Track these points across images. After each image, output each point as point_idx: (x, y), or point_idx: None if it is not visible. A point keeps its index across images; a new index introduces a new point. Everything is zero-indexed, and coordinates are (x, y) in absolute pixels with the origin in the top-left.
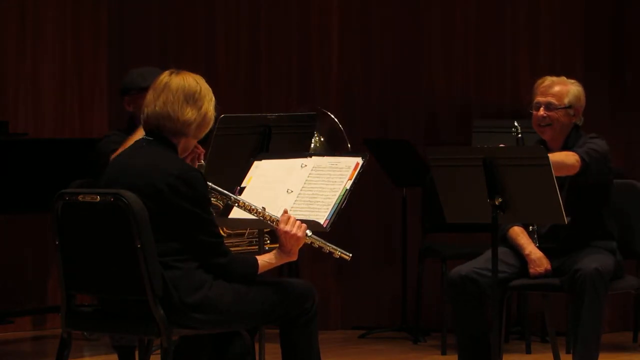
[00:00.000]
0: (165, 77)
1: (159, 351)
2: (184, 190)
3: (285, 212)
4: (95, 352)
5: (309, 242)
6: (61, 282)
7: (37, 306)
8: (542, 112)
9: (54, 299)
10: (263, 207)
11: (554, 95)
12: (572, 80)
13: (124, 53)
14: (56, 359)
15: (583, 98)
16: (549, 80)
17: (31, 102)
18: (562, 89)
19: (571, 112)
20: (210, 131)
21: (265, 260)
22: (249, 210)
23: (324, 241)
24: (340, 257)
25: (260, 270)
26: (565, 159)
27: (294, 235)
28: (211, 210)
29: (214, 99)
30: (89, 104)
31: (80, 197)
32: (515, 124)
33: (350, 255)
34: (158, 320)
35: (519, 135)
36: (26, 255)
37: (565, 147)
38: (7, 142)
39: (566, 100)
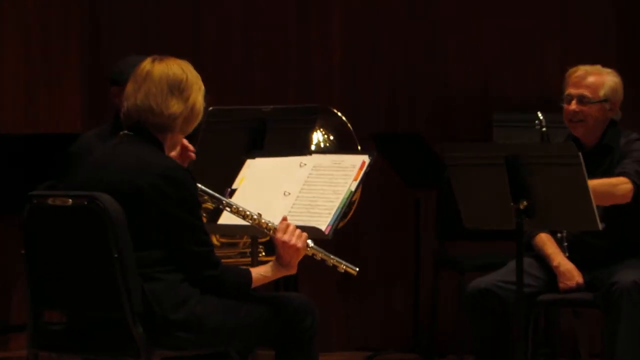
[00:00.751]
0: (146, 65)
1: None
2: (169, 191)
3: (285, 219)
4: None
5: (310, 254)
6: (28, 296)
7: (0, 325)
8: (573, 106)
9: (18, 316)
10: (259, 214)
11: (587, 86)
12: (609, 70)
13: (99, 40)
14: None
15: (621, 90)
16: (582, 69)
17: None
18: (596, 80)
19: (607, 106)
20: (200, 125)
21: (260, 273)
22: (243, 216)
23: (327, 253)
24: (345, 271)
25: (254, 284)
26: (613, 190)
27: (293, 245)
28: (201, 215)
29: (203, 87)
30: (59, 97)
31: (50, 200)
32: (540, 116)
33: (357, 269)
34: (137, 339)
35: (544, 130)
36: None
37: (600, 145)
38: None
39: (601, 93)
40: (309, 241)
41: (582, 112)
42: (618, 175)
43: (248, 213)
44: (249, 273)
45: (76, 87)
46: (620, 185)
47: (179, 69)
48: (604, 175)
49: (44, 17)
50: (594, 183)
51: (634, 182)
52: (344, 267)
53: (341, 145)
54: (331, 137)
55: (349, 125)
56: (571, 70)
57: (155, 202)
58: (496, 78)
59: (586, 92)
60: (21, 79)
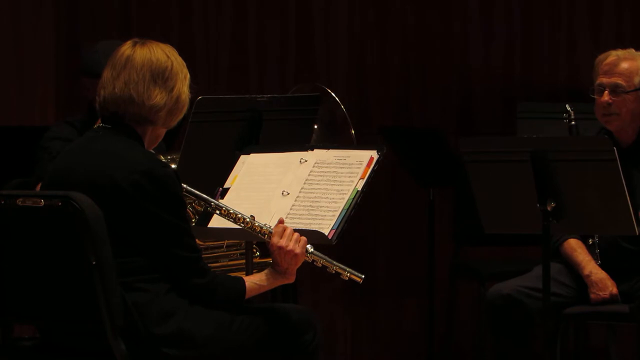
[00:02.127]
0: (127, 49)
1: None
2: (151, 190)
3: (281, 221)
4: None
5: (310, 260)
6: None
7: None
8: (606, 97)
9: None
10: (252, 216)
11: (621, 74)
12: None
13: (75, 24)
14: None
15: None
16: (613, 55)
17: None
18: (631, 66)
19: None
20: (184, 118)
21: (255, 281)
22: (234, 219)
23: (329, 259)
24: (350, 278)
25: (249, 295)
26: None
27: (291, 251)
28: (187, 217)
29: (188, 75)
30: (30, 87)
31: (19, 201)
32: (568, 107)
33: (362, 277)
34: (118, 356)
35: (572, 123)
36: None
37: (639, 142)
38: None
39: (637, 80)
40: (309, 246)
41: (616, 103)
42: None
43: (240, 216)
44: (243, 282)
45: (49, 76)
46: None
47: (164, 54)
48: None
49: (17, 2)
50: None
51: None
52: (348, 274)
53: (329, 134)
54: (315, 126)
55: (342, 107)
56: (601, 56)
57: (137, 203)
58: (520, 64)
59: (620, 81)
60: None
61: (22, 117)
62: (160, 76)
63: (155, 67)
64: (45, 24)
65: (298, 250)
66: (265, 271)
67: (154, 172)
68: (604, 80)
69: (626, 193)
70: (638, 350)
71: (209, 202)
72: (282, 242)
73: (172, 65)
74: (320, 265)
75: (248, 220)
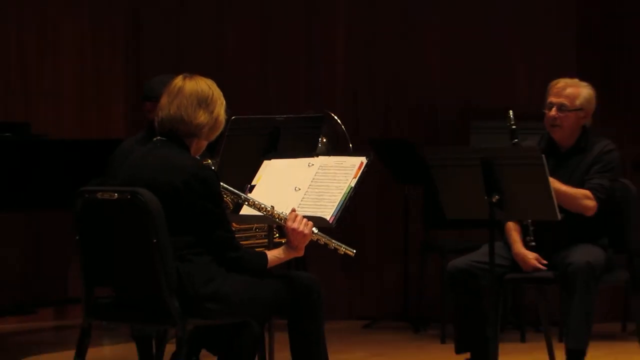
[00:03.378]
0: (179, 81)
1: (174, 340)
2: (199, 188)
3: (293, 210)
4: (115, 341)
5: (315, 239)
6: (82, 275)
7: (59, 298)
8: (554, 112)
9: (74, 291)
10: (272, 206)
11: (566, 96)
12: (585, 83)
13: (140, 60)
14: (77, 348)
15: (594, 101)
16: (562, 82)
17: (51, 106)
18: (574, 91)
19: (581, 114)
20: (222, 133)
21: (275, 255)
22: (259, 208)
23: (329, 238)
24: (344, 253)
25: (270, 265)
26: (579, 202)
27: (301, 232)
28: (224, 206)
29: (224, 103)
30: (107, 108)
31: (99, 195)
32: (510, 114)
33: (354, 251)
34: (173, 311)
35: (513, 127)
36: (48, 249)
37: (577, 148)
38: (29, 142)
39: (578, 103)
40: (314, 229)
41: (560, 118)
42: (587, 187)
43: (263, 206)
44: (265, 255)
45: (121, 99)
46: (586, 200)
47: (206, 86)
48: (573, 174)
49: (96, 40)
50: (564, 189)
51: (597, 198)
52: (344, 249)
53: (334, 147)
54: (324, 140)
55: (343, 127)
56: (553, 82)
57: (187, 196)
58: (473, 92)
59: (565, 101)
60: (76, 93)
61: (100, 132)
62: (204, 102)
63: (200, 95)
64: (118, 60)
65: (307, 231)
66: (282, 247)
67: (200, 173)
68: (554, 99)
69: (551, 189)
70: (560, 306)
71: (239, 196)
72: (295, 225)
73: (213, 94)
74: (323, 242)
75: (269, 209)
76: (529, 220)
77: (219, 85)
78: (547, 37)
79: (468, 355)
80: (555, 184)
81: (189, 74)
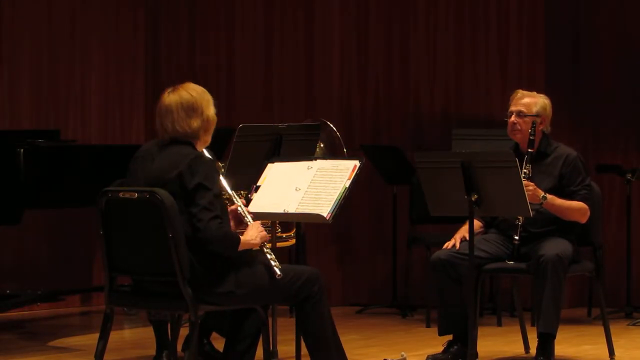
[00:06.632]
0: (164, 99)
1: (188, 324)
2: (197, 167)
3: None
4: (134, 325)
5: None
6: (105, 265)
7: (84, 286)
8: (513, 118)
9: (98, 280)
10: (242, 205)
11: (524, 105)
12: (541, 95)
13: (159, 72)
14: (101, 331)
15: (549, 109)
16: (520, 93)
17: (79, 113)
18: (530, 101)
19: (538, 120)
20: (230, 140)
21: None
22: (231, 202)
23: (270, 255)
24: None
25: (241, 247)
26: (579, 215)
27: (255, 238)
28: (215, 184)
29: (211, 98)
30: (128, 116)
31: (121, 194)
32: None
33: (280, 274)
34: (187, 298)
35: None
36: (75, 243)
37: (538, 151)
38: (58, 147)
39: (534, 110)
40: (266, 244)
41: (519, 123)
42: (578, 199)
43: (234, 200)
44: (238, 237)
45: (141, 108)
46: (585, 212)
47: (187, 93)
48: (542, 175)
49: (119, 55)
50: (558, 203)
51: (589, 205)
52: (274, 266)
53: (330, 152)
54: (321, 145)
55: (337, 134)
56: (513, 94)
57: (188, 176)
58: (454, 103)
59: (523, 109)
60: (102, 103)
61: (123, 138)
62: (191, 109)
63: (186, 104)
64: (138, 72)
65: (257, 241)
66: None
67: (200, 158)
68: (513, 108)
69: (524, 189)
70: (531, 292)
71: (226, 191)
72: (250, 233)
73: (196, 99)
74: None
75: (240, 204)
76: (519, 218)
77: (231, 99)
78: (519, 49)
79: (450, 337)
80: (555, 200)
81: (171, 88)
